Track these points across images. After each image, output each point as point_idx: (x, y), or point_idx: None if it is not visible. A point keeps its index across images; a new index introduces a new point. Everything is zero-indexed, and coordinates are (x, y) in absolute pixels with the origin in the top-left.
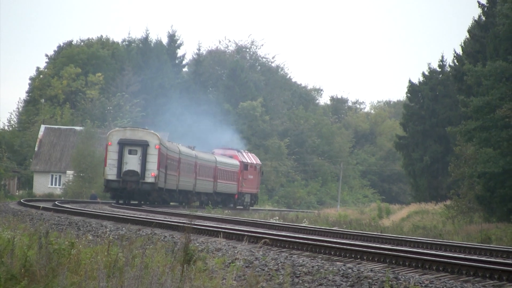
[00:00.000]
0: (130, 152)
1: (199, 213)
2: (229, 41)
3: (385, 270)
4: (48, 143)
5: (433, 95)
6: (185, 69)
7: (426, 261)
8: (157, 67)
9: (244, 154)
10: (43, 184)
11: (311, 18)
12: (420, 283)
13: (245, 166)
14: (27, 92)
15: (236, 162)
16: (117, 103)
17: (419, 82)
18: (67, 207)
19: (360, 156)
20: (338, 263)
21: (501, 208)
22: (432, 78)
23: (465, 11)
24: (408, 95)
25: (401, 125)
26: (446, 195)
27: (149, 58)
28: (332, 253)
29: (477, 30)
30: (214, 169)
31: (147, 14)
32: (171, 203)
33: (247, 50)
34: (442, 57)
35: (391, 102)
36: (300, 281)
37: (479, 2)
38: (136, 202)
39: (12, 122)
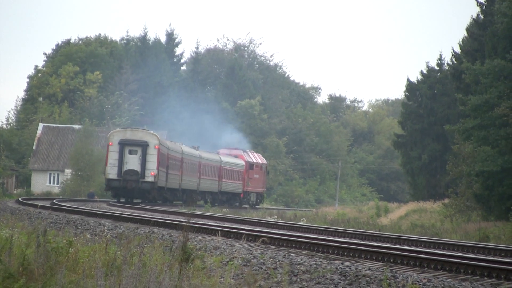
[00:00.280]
0: (130, 152)
1: (197, 212)
2: (227, 39)
3: (383, 269)
4: (46, 141)
5: (431, 93)
6: (183, 68)
7: (424, 260)
8: (156, 65)
9: (250, 154)
10: (41, 183)
11: (310, 16)
12: (418, 281)
13: (250, 165)
14: (25, 91)
15: (242, 162)
16: (115, 102)
17: (418, 81)
18: (65, 206)
19: (358, 154)
20: (336, 261)
21: (499, 207)
22: (431, 77)
23: (464, 9)
24: (406, 93)
25: (399, 123)
26: (444, 193)
27: (147, 56)
28: (330, 251)
29: (476, 29)
30: (219, 169)
31: (145, 13)
32: (175, 202)
33: (245, 48)
34: (441, 55)
35: (389, 101)
36: (298, 280)
37: (477, 1)
38: (140, 201)
39: (10, 120)
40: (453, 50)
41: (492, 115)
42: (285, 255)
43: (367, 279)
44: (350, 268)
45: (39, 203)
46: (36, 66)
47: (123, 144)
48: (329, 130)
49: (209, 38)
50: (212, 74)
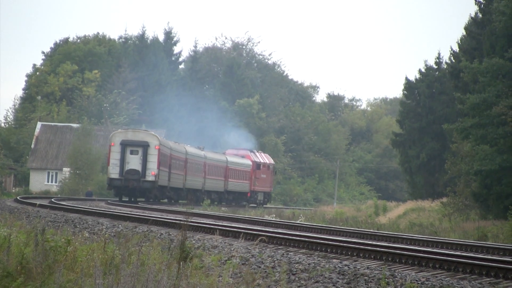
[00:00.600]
0: (131, 152)
1: (196, 211)
2: (226, 38)
3: (381, 268)
4: (45, 140)
5: (429, 92)
6: (181, 66)
7: (423, 259)
8: (154, 64)
9: (257, 154)
10: (39, 181)
11: (308, 15)
12: (416, 280)
13: (257, 165)
14: (23, 89)
15: (249, 162)
16: (113, 100)
17: (416, 79)
18: (64, 204)
19: (357, 153)
20: (334, 260)
21: (497, 206)
22: (429, 75)
23: (462, 8)
24: (405, 92)
25: (397, 122)
26: (443, 192)
27: (145, 55)
28: (329, 250)
29: (474, 27)
30: (225, 169)
31: (143, 11)
32: (180, 201)
33: (244, 47)
34: (439, 54)
35: (388, 99)
36: (297, 279)
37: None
38: (143, 199)
39: (8, 119)
40: (452, 49)
41: (491, 114)
42: (283, 254)
43: (366, 278)
44: (348, 267)
45: (38, 202)
46: (34, 65)
47: (124, 144)
48: (328, 128)
49: (207, 36)
50: (210, 72)
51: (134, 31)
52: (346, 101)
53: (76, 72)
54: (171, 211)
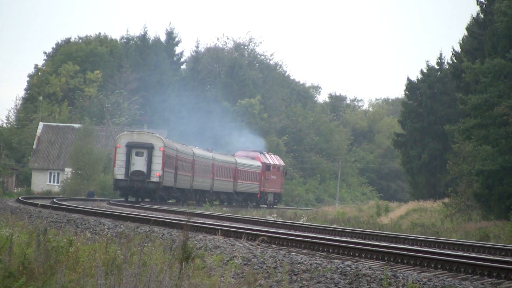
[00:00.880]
0: (137, 154)
1: (198, 211)
2: (227, 38)
3: (383, 268)
4: (46, 140)
5: (431, 92)
6: (183, 67)
7: (425, 259)
8: (155, 64)
9: (267, 155)
10: (41, 182)
11: (310, 15)
12: (418, 281)
13: (267, 167)
14: (25, 90)
15: (258, 163)
16: (115, 101)
17: (418, 80)
18: (66, 205)
19: (359, 153)
20: (336, 260)
21: (499, 206)
22: (431, 76)
23: (464, 8)
24: (407, 92)
25: (399, 122)
26: (445, 192)
27: (147, 55)
28: (331, 250)
29: (476, 28)
30: (234, 170)
31: (145, 12)
32: (190, 202)
33: (245, 47)
34: (441, 54)
35: (389, 100)
36: (298, 279)
37: (477, 0)
38: (149, 200)
39: (10, 119)
40: (453, 49)
41: (492, 114)
42: (285, 254)
43: (368, 278)
44: (350, 267)
45: (39, 202)
46: (36, 65)
47: (130, 146)
48: (329, 129)
49: (209, 37)
50: (212, 73)
51: (136, 32)
52: (348, 101)
53: (77, 73)
54: (173, 211)
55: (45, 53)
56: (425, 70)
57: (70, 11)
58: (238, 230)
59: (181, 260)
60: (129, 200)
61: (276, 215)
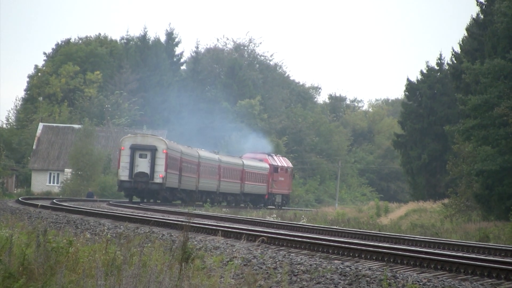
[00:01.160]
0: (140, 156)
1: (198, 212)
2: (227, 39)
3: (383, 269)
4: (46, 141)
5: (431, 93)
6: (183, 67)
7: (424, 260)
8: (155, 65)
9: (275, 157)
10: (41, 182)
11: (310, 16)
12: (418, 281)
13: (275, 169)
14: (25, 90)
15: (266, 165)
16: (115, 101)
17: (417, 80)
18: (65, 205)
19: (358, 154)
20: (336, 261)
21: (499, 206)
22: (430, 76)
23: (464, 9)
24: (406, 93)
25: (399, 123)
26: (444, 193)
27: (147, 56)
28: (330, 251)
29: (475, 28)
30: (241, 172)
31: (145, 12)
32: (197, 203)
33: (245, 48)
34: (440, 55)
35: (389, 100)
36: (298, 280)
37: (477, 0)
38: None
39: (10, 120)
40: (453, 50)
41: (492, 115)
42: (285, 255)
43: (367, 279)
44: (350, 268)
45: (39, 202)
46: (36, 66)
47: (134, 148)
48: (329, 129)
49: (209, 37)
50: (212, 73)
51: (135, 32)
52: (348, 102)
53: (77, 73)
54: (173, 212)
55: (45, 53)
56: (425, 71)
57: (70, 11)
58: (238, 231)
59: (181, 261)
60: (133, 201)
61: (275, 216)
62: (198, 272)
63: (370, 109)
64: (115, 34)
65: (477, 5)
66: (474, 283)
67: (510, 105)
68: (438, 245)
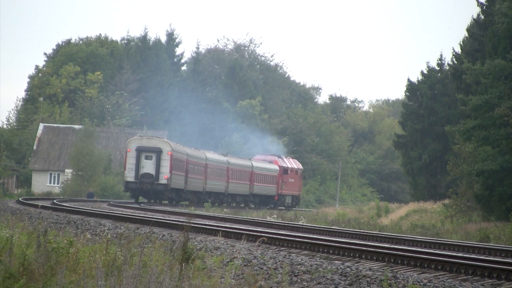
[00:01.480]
0: (146, 158)
1: (198, 212)
2: (228, 39)
3: (383, 269)
4: (47, 141)
5: (432, 93)
6: (183, 68)
7: (425, 260)
8: (156, 65)
9: (285, 159)
10: (41, 183)
11: (310, 16)
12: (418, 282)
13: (285, 170)
14: (26, 91)
15: (276, 167)
16: (116, 102)
17: (418, 81)
18: (66, 206)
19: (359, 154)
20: (336, 262)
21: (499, 207)
22: (431, 77)
23: (464, 9)
24: (407, 93)
25: (399, 123)
26: (445, 193)
27: (147, 56)
28: (331, 252)
29: (476, 29)
30: (251, 173)
31: (145, 13)
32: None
33: (246, 48)
34: (441, 55)
35: (390, 101)
36: (299, 280)
37: (478, 1)
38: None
39: (10, 120)
40: (454, 50)
41: (493, 115)
42: (285, 255)
43: (368, 279)
44: (350, 269)
45: (40, 203)
46: (36, 66)
47: (139, 150)
48: (330, 130)
49: (209, 38)
50: (212, 74)
51: (136, 33)
52: (348, 102)
53: (78, 74)
54: (174, 212)
55: (45, 54)
56: (425, 71)
57: (70, 12)
58: (238, 231)
59: (182, 261)
60: (139, 201)
61: (276, 216)
62: (198, 272)
63: (370, 110)
64: (116, 34)
65: (478, 5)
66: (475, 283)
67: (511, 106)
68: (438, 245)
